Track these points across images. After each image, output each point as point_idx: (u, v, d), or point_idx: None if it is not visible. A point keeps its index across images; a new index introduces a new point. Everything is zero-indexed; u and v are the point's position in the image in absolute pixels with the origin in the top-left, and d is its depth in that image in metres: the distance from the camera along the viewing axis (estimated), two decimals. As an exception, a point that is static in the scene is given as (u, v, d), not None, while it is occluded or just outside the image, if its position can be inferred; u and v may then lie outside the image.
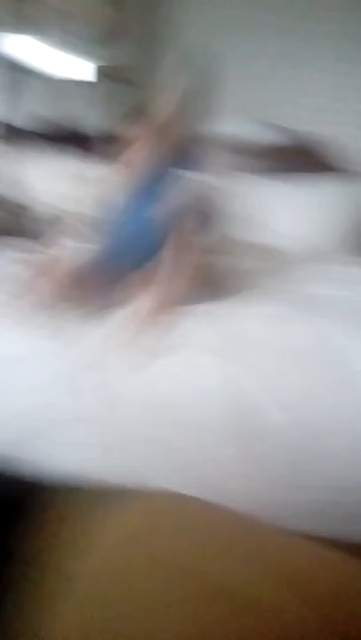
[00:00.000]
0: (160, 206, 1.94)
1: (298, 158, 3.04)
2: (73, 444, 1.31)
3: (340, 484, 1.26)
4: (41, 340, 1.44)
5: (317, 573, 0.80)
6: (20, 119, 3.17)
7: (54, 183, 3.06)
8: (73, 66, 3.23)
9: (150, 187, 2.05)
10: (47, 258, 1.96)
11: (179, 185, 1.98)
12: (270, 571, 0.79)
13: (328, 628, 0.71)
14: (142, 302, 1.64)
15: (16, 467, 1.31)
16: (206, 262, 1.95)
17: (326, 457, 1.27)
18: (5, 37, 3.01)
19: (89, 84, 3.18)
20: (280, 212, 2.69)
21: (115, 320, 1.56)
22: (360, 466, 1.27)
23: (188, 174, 2.01)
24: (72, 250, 2.03)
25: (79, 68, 3.23)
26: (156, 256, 1.80)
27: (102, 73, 3.19)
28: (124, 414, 1.31)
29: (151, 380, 1.35)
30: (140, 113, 2.42)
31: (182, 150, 2.08)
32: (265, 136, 3.05)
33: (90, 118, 3.12)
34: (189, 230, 1.89)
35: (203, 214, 2.09)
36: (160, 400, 1.33)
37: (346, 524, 1.24)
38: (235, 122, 2.92)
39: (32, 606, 0.91)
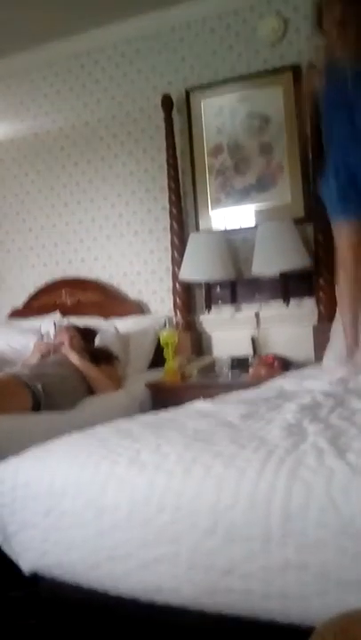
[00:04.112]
0: None
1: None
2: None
3: None
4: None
5: None
6: (200, 274, 3.46)
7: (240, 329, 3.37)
8: (236, 216, 3.53)
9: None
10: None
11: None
12: None
13: None
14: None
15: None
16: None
17: None
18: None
19: (253, 229, 3.46)
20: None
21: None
22: None
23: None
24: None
25: (242, 216, 3.52)
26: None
27: (264, 216, 3.49)
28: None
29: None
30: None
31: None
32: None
33: (258, 260, 3.31)
34: None
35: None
36: None
37: None
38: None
39: None
